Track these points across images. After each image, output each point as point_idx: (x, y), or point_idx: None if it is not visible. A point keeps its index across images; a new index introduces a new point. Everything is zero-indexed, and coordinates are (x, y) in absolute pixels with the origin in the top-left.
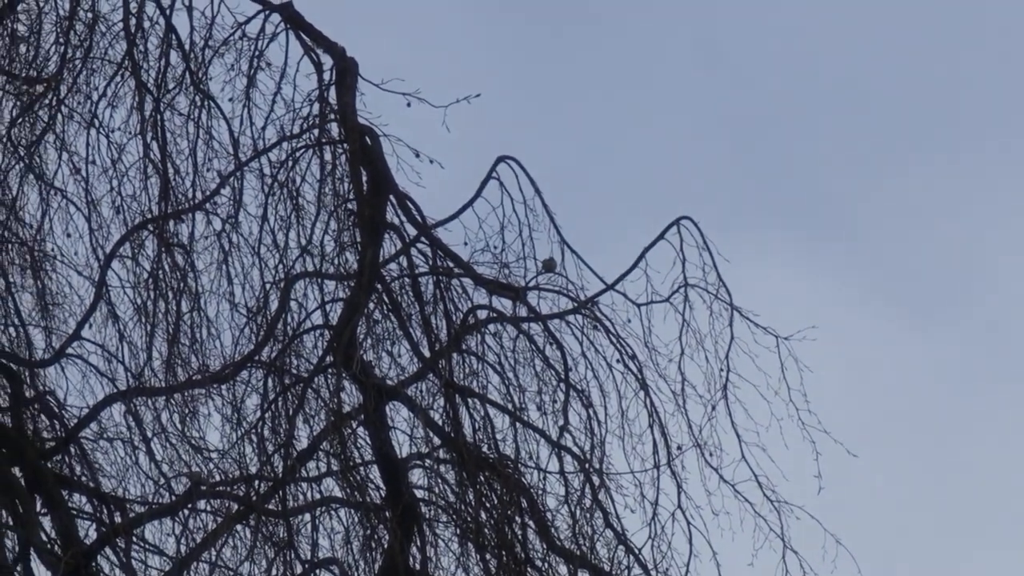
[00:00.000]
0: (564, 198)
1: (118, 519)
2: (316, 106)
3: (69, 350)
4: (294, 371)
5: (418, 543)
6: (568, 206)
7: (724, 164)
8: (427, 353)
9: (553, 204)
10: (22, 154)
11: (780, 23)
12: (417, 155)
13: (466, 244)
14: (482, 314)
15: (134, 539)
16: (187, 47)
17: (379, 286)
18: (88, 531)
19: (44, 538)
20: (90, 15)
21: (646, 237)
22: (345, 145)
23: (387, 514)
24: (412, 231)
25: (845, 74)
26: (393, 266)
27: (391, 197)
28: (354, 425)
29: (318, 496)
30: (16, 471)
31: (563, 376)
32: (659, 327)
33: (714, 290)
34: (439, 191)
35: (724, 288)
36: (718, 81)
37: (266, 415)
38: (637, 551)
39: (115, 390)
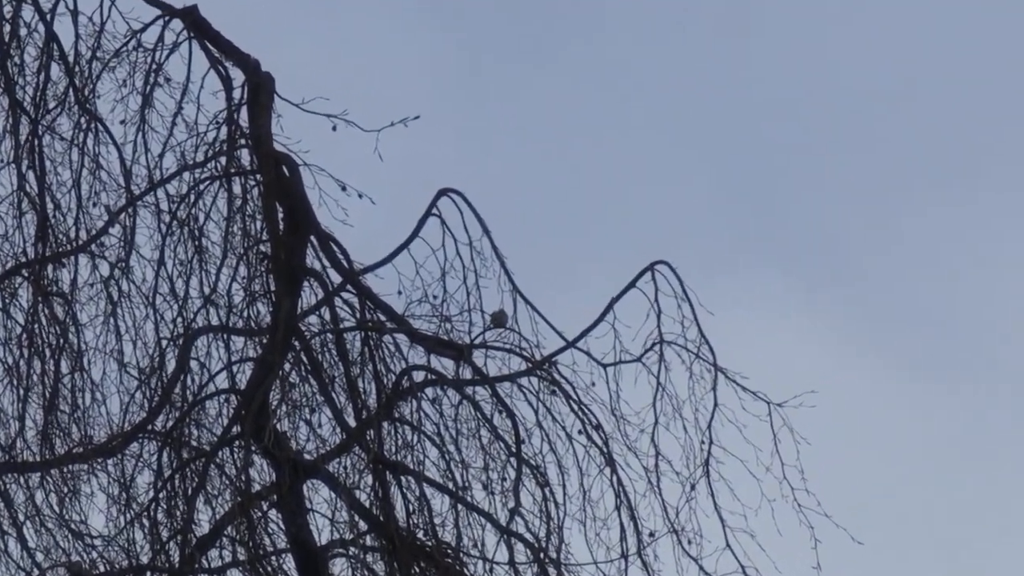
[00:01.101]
0: (517, 240)
1: None
2: (224, 129)
3: None
4: (194, 443)
5: None
6: (522, 249)
7: (704, 200)
8: (353, 422)
9: (504, 246)
10: None
11: (775, 49)
12: (343, 188)
13: (400, 294)
14: (419, 376)
15: None
16: (71, 59)
17: (296, 343)
18: None
19: None
20: None
21: (614, 286)
22: (258, 176)
23: None
24: (336, 278)
25: (850, 105)
26: (313, 320)
27: (312, 238)
28: (265, 507)
29: None
30: None
31: (514, 449)
32: (629, 391)
33: (695, 348)
34: (369, 231)
35: (706, 345)
36: (694, 105)
37: (160, 495)
38: None
39: None
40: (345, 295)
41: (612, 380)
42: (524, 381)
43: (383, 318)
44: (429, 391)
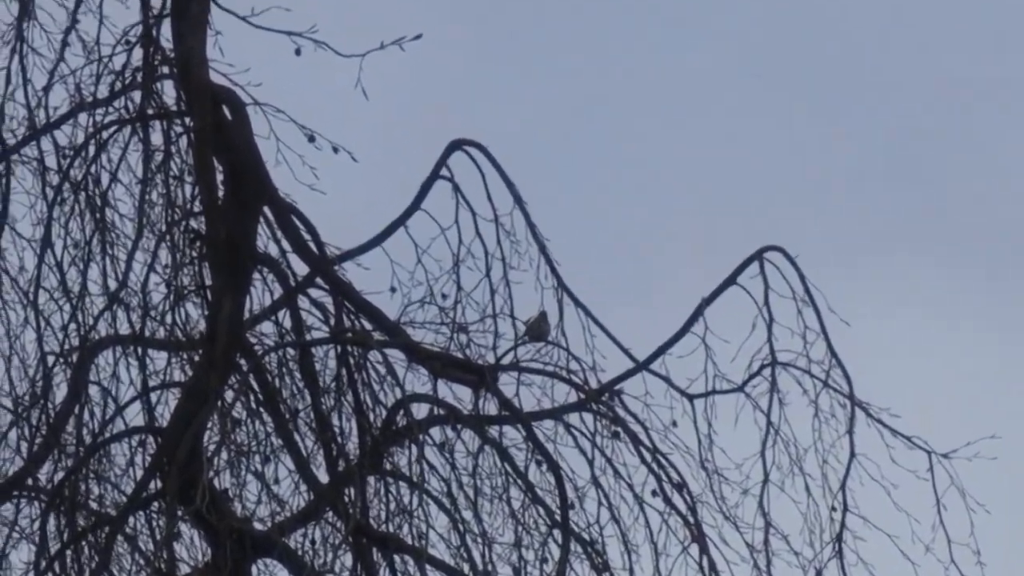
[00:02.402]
0: (561, 220)
1: None
2: (138, 53)
3: None
4: (94, 505)
5: None
6: (569, 233)
7: (825, 170)
8: (325, 477)
9: (545, 226)
10: None
11: None
12: (311, 139)
13: (394, 291)
14: (420, 411)
15: None
16: None
17: (243, 362)
18: None
19: None
20: None
21: (703, 285)
22: (187, 120)
23: None
24: (302, 268)
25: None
26: (268, 328)
27: (266, 210)
28: None
29: None
30: None
31: (559, 517)
32: (727, 435)
33: (822, 372)
34: (349, 200)
35: (839, 368)
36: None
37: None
38: None
39: None
40: (314, 293)
41: (702, 418)
42: (574, 419)
43: (369, 326)
44: (436, 432)
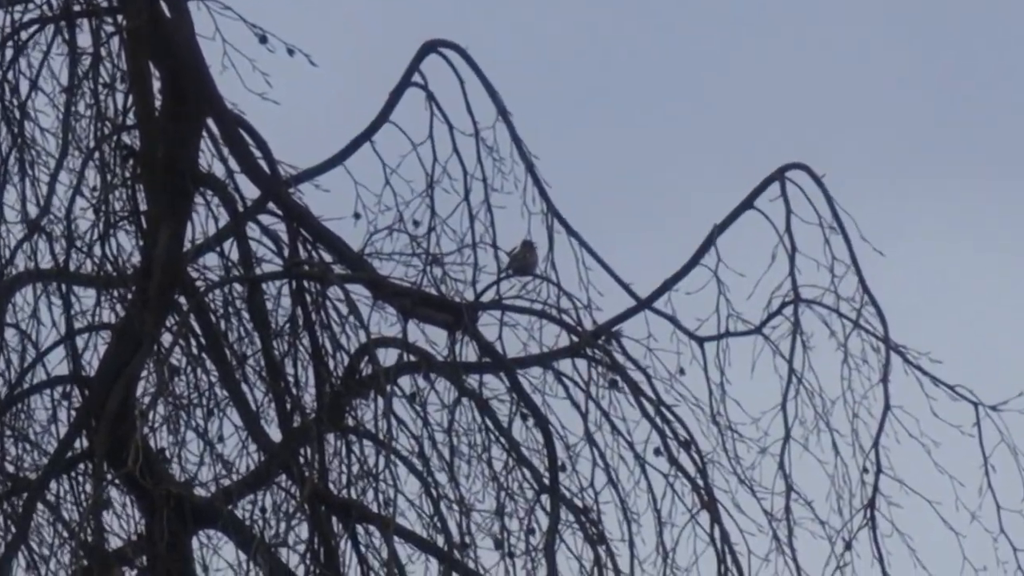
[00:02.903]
0: (553, 137)
1: None
2: None
3: None
4: (10, 467)
5: None
6: (563, 152)
7: (853, 74)
8: (277, 435)
9: (533, 143)
10: None
11: None
12: (263, 40)
13: (358, 218)
14: (388, 356)
15: None
16: None
17: (182, 300)
18: None
19: None
20: None
21: (716, 210)
22: (119, 18)
23: None
24: (252, 191)
25: None
26: (212, 261)
27: (210, 123)
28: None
29: None
30: None
31: (548, 481)
32: (742, 384)
33: (852, 311)
34: (307, 113)
35: (872, 306)
36: None
37: None
38: None
39: None
40: (265, 220)
41: (713, 365)
42: (565, 366)
43: (328, 258)
44: (406, 382)
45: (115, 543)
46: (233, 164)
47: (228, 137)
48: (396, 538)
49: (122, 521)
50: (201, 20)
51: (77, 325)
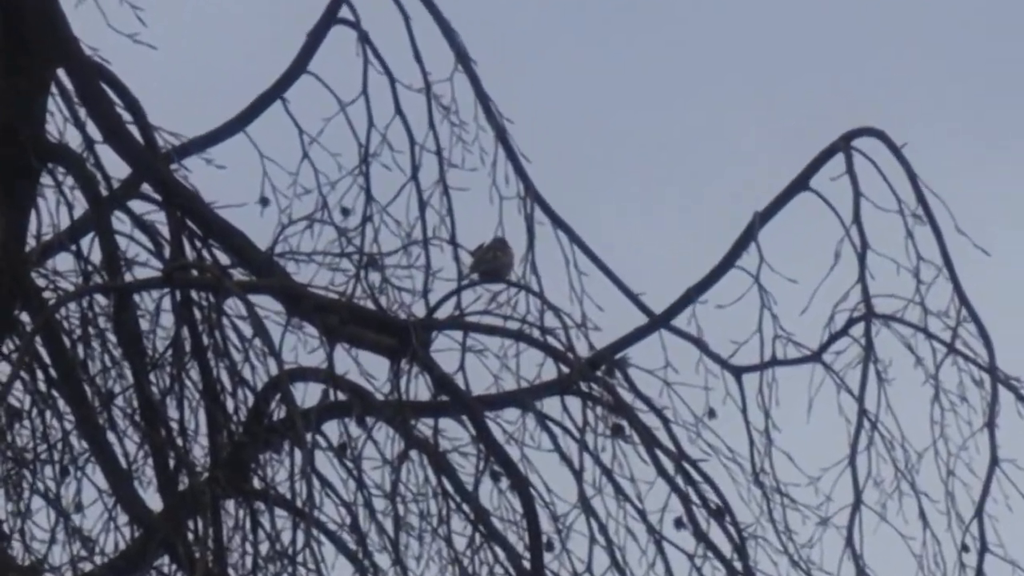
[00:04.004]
0: (535, 95)
1: None
2: None
3: None
4: None
5: None
6: (547, 114)
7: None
8: (155, 502)
9: (508, 105)
10: None
11: None
12: None
13: (266, 204)
14: (308, 394)
15: None
16: None
17: (25, 316)
18: None
19: None
20: None
21: (756, 192)
22: None
23: None
24: (119, 167)
25: None
26: (65, 264)
27: (61, 75)
28: None
29: None
30: None
31: (530, 564)
32: (793, 430)
33: (945, 329)
34: (196, 61)
35: (973, 323)
36: None
37: None
38: None
39: None
40: (137, 207)
41: (755, 405)
42: (552, 406)
43: (225, 260)
44: (333, 428)
45: None
46: (93, 131)
47: (86, 94)
48: None
49: None
50: None
51: None
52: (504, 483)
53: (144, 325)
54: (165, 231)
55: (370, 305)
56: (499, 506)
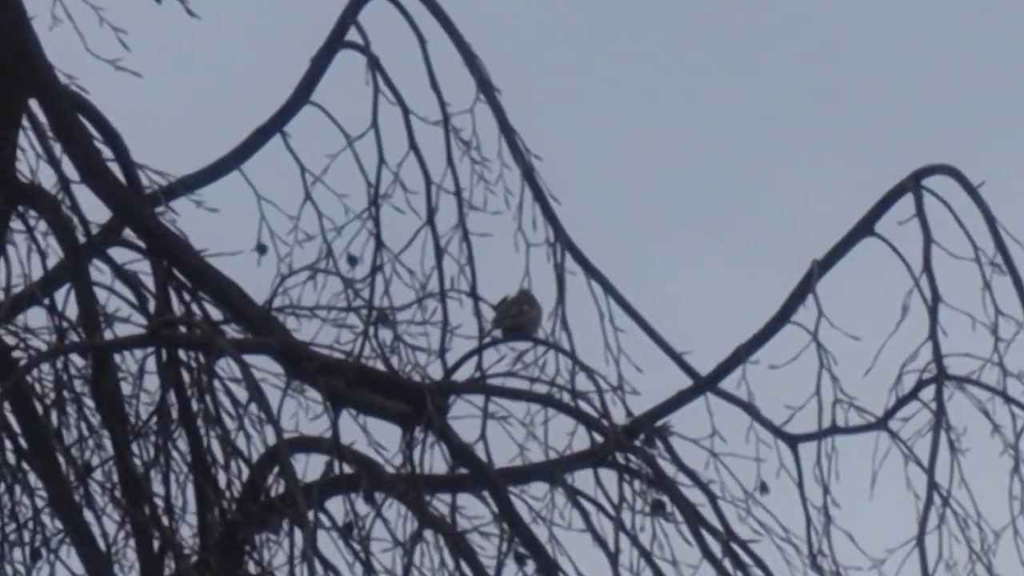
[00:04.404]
0: (567, 131)
1: None
2: None
3: None
4: None
5: None
6: (580, 152)
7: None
8: None
9: (534, 139)
10: None
11: None
12: None
13: (264, 251)
14: (311, 467)
15: None
16: None
17: None
18: None
19: None
20: None
21: (813, 239)
22: None
23: None
24: (98, 210)
25: None
26: (38, 320)
27: (32, 105)
28: None
29: None
30: None
31: None
32: (855, 507)
33: None
34: (186, 92)
35: None
36: None
37: None
38: None
39: None
40: (120, 256)
41: (812, 478)
42: (584, 480)
43: (218, 315)
44: (337, 506)
45: None
46: (70, 169)
47: (61, 128)
48: None
49: None
50: None
51: None
52: (530, 567)
53: (126, 389)
54: (150, 282)
55: (380, 366)
56: None
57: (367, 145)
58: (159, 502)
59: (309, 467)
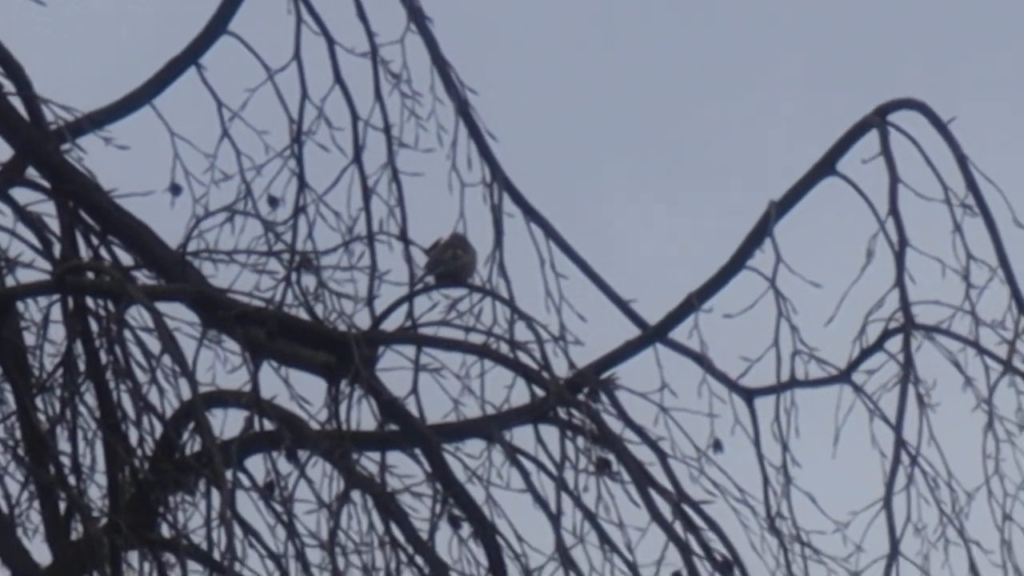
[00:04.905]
0: (499, 57)
1: None
2: None
3: None
4: None
5: None
6: (517, 84)
7: None
8: (43, 555)
9: (469, 73)
10: None
11: None
12: None
13: (178, 191)
14: (229, 423)
15: None
16: None
17: None
18: None
19: None
20: None
21: (771, 177)
22: None
23: None
24: (2, 147)
25: None
26: None
27: None
28: None
29: None
30: None
31: None
32: (816, 467)
33: (1001, 344)
34: (93, 17)
35: None
36: None
37: None
38: None
39: None
40: (21, 197)
41: (770, 435)
42: (524, 437)
43: (128, 260)
44: (258, 464)
45: None
46: None
47: None
48: None
49: None
50: None
51: None
52: (465, 530)
53: (29, 339)
54: (55, 225)
55: (303, 315)
56: (459, 558)
57: (289, 78)
58: (65, 461)
59: (227, 423)
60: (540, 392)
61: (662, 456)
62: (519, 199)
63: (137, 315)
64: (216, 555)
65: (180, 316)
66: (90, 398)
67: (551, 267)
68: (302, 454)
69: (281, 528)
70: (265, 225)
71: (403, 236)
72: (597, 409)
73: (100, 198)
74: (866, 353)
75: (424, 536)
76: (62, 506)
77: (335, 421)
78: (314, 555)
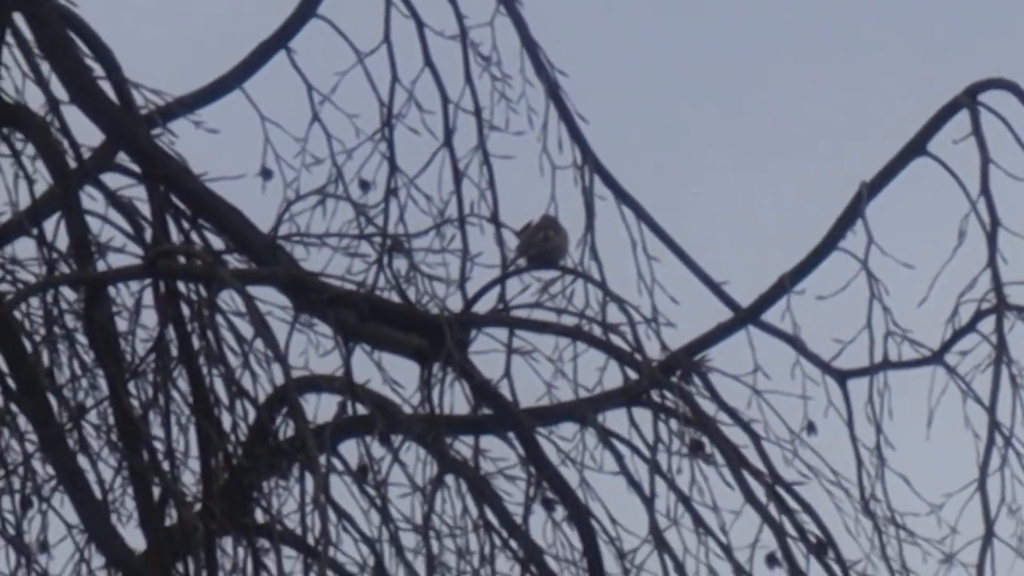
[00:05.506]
0: (591, 43)
1: None
2: None
3: None
4: None
5: None
6: (607, 64)
7: None
8: (138, 540)
9: (560, 56)
10: None
11: None
12: None
13: (269, 175)
14: (323, 408)
15: None
16: None
17: None
18: None
19: None
20: None
21: (860, 159)
22: None
23: None
24: (89, 132)
25: None
26: (25, 250)
27: (17, 19)
28: None
29: None
30: None
31: None
32: (910, 449)
33: None
34: (185, 7)
35: None
36: None
37: None
38: None
39: None
40: (113, 182)
41: (864, 416)
42: (617, 420)
43: (219, 244)
44: (351, 449)
45: None
46: (59, 89)
47: (49, 45)
48: None
49: None
50: None
51: None
52: (559, 513)
53: (121, 324)
54: (146, 210)
55: (395, 298)
56: (554, 542)
57: (379, 61)
58: (159, 446)
59: (320, 408)
60: (633, 375)
61: (755, 438)
62: (610, 181)
63: (229, 299)
64: (310, 540)
65: (272, 300)
66: (183, 383)
67: (643, 249)
68: (395, 438)
69: (375, 512)
70: (356, 208)
71: (494, 219)
72: (690, 391)
73: (191, 182)
74: (959, 334)
75: (518, 519)
76: (156, 492)
77: (428, 405)
78: (408, 539)
